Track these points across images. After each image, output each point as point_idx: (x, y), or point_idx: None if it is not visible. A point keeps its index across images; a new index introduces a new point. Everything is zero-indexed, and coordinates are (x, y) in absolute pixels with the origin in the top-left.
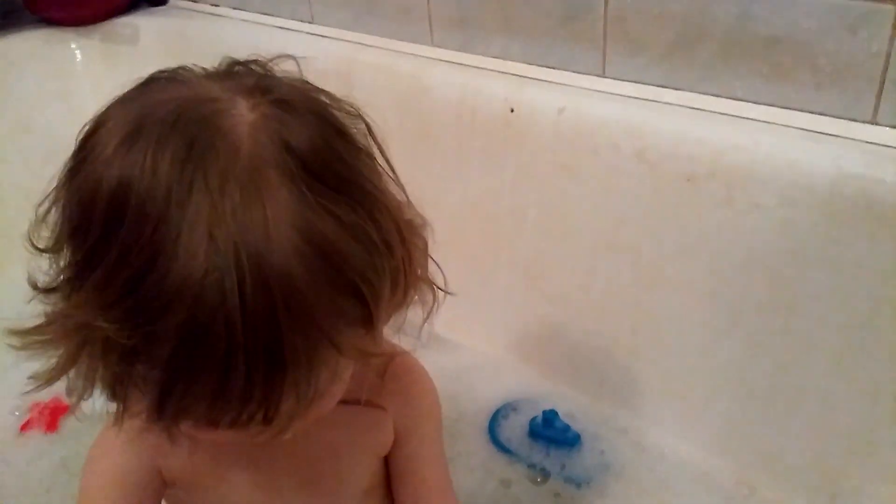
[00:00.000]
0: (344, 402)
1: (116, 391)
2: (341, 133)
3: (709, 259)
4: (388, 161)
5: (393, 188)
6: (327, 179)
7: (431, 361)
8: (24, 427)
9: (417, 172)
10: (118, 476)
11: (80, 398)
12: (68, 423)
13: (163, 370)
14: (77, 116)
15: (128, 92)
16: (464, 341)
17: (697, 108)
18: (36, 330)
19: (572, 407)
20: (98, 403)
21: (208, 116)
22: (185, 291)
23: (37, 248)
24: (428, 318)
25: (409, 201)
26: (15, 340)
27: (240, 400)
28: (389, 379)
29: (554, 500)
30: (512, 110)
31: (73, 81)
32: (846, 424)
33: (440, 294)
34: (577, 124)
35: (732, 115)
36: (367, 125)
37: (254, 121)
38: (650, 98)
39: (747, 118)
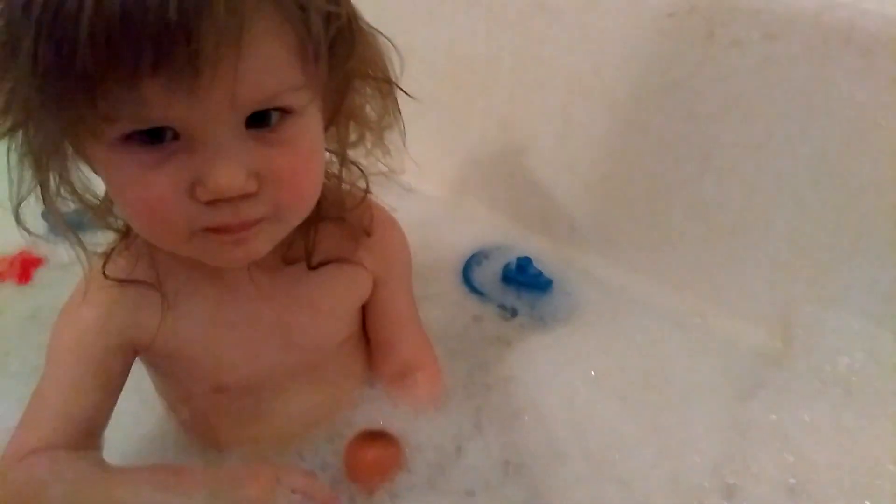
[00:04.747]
0: (327, 262)
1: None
2: None
3: (686, 101)
4: None
5: None
6: None
7: (405, 212)
8: None
9: (387, 17)
10: (82, 348)
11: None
12: (41, 275)
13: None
14: None
15: None
16: (437, 192)
17: None
18: None
19: (543, 254)
20: (69, 254)
21: None
22: None
23: None
24: (394, 116)
25: None
26: None
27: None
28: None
29: (519, 331)
30: None
31: None
32: (807, 257)
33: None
34: None
35: None
36: None
37: None
38: None
39: None
